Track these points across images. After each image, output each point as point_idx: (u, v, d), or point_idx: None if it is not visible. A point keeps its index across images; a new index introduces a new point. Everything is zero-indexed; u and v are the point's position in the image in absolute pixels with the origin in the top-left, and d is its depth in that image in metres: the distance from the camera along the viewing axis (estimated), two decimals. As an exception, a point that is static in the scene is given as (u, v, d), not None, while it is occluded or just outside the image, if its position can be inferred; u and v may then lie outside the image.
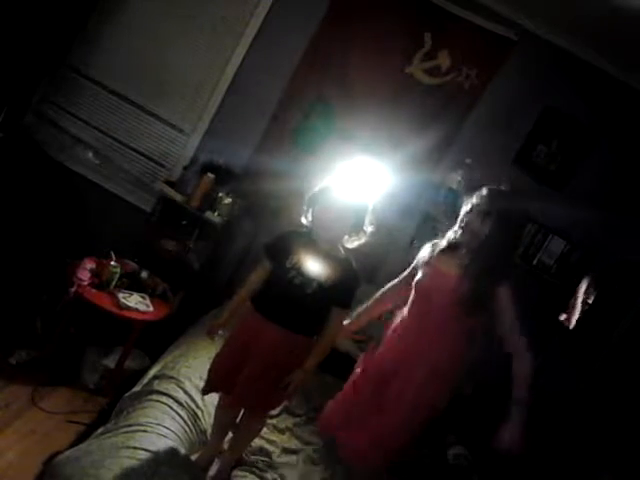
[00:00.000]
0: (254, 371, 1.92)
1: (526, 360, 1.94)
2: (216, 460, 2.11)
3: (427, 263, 2.08)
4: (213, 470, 2.07)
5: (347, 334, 2.25)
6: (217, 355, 2.07)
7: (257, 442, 2.26)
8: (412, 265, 2.20)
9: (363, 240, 1.97)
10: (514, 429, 1.84)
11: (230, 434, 2.17)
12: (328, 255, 1.92)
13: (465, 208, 2.04)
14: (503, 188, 2.11)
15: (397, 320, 2.14)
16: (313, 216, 1.95)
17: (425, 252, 2.15)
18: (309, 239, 1.95)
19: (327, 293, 1.89)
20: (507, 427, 1.85)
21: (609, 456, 2.50)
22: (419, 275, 2.08)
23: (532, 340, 3.19)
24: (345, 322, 2.14)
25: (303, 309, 1.91)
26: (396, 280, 2.24)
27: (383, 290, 2.26)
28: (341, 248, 1.97)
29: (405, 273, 2.22)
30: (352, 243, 1.97)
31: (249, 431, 2.14)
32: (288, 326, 1.91)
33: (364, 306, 2.24)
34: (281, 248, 1.95)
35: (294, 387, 1.92)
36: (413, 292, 2.09)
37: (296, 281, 1.88)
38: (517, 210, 2.05)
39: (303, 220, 1.98)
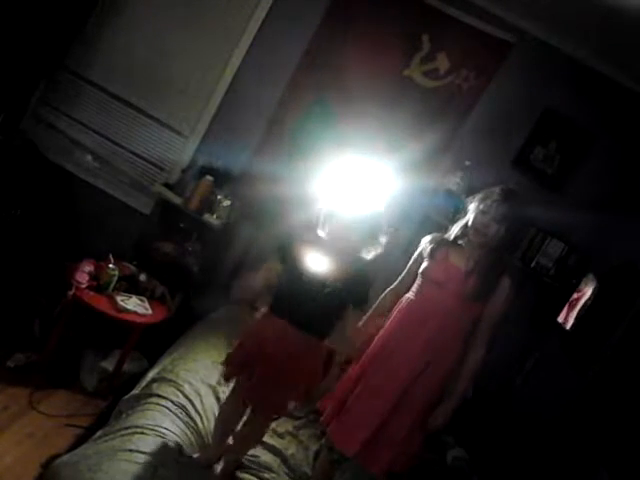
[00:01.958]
0: (267, 372, 1.94)
1: (480, 354, 2.03)
2: (220, 461, 2.11)
3: (434, 255, 2.09)
4: (216, 470, 2.07)
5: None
6: (234, 349, 2.08)
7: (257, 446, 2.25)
8: (411, 262, 2.20)
9: (379, 251, 2.01)
10: (445, 412, 2.01)
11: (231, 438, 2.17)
12: (342, 259, 1.95)
13: (474, 205, 2.07)
14: (513, 187, 2.13)
15: (400, 304, 2.14)
16: (329, 230, 1.98)
17: (426, 245, 2.16)
18: (324, 244, 1.98)
19: (341, 296, 1.93)
20: (440, 410, 2.02)
21: (607, 454, 2.50)
22: (428, 265, 2.10)
23: (530, 340, 3.21)
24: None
25: (317, 311, 1.94)
26: (394, 285, 2.23)
27: (380, 300, 2.23)
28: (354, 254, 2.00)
29: (403, 274, 2.22)
30: (368, 255, 2.00)
31: (254, 433, 2.15)
32: (303, 327, 1.94)
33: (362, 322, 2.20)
34: (296, 251, 1.97)
35: (320, 396, 2.00)
36: (421, 280, 2.11)
37: (310, 284, 1.92)
38: (524, 210, 2.14)
39: (320, 233, 2.00)
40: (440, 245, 2.12)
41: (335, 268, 1.92)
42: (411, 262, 2.20)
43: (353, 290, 1.95)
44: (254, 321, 2.04)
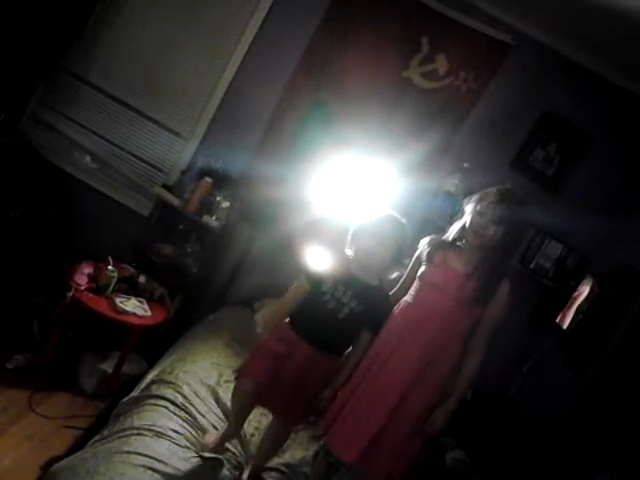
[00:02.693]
0: (288, 386, 1.97)
1: (479, 357, 2.02)
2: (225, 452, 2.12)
3: (433, 258, 2.07)
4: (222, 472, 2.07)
5: None
6: (250, 361, 2.09)
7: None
8: (409, 265, 2.18)
9: (401, 272, 2.02)
10: (444, 416, 1.99)
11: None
12: (362, 282, 1.98)
13: (471, 206, 2.04)
14: (510, 188, 2.10)
15: (399, 307, 2.12)
16: (356, 247, 2.00)
17: (424, 248, 2.13)
18: (346, 265, 2.00)
19: (358, 319, 1.96)
20: (438, 413, 1.99)
21: (607, 454, 2.50)
22: (426, 268, 2.08)
23: (529, 341, 3.21)
24: None
25: (334, 333, 1.98)
26: (394, 289, 2.21)
27: None
28: (376, 277, 2.02)
29: (402, 278, 2.21)
30: (391, 275, 2.02)
31: (277, 442, 2.16)
32: (319, 347, 1.97)
33: None
34: (318, 271, 2.00)
35: (323, 405, 2.01)
36: (419, 283, 2.09)
37: (329, 305, 1.95)
38: (523, 211, 2.07)
39: (347, 251, 2.03)
40: (438, 247, 2.09)
41: (356, 294, 1.94)
42: (409, 265, 2.19)
43: (372, 312, 1.97)
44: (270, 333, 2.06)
